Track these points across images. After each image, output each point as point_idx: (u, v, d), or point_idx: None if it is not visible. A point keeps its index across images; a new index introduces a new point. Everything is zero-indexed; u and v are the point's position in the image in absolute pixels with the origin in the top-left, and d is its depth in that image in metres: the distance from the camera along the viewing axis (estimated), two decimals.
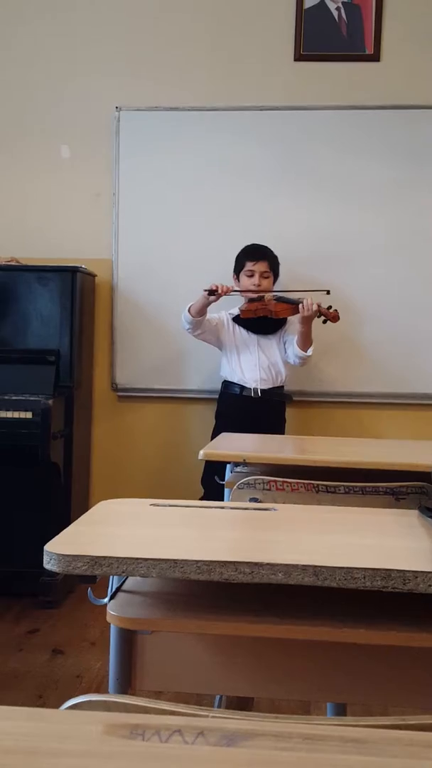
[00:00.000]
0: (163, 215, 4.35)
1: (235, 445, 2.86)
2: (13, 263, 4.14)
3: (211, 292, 3.73)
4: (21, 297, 4.01)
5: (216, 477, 2.81)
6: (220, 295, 3.75)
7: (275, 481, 2.29)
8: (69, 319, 3.98)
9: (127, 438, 4.47)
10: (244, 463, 2.61)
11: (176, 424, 4.39)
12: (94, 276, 4.36)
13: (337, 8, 4.28)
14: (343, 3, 4.28)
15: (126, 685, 1.43)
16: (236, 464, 2.67)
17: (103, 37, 4.39)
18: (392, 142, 4.24)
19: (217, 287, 3.73)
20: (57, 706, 0.94)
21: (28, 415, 3.70)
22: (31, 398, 3.74)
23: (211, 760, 0.78)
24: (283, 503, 2.10)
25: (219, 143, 4.31)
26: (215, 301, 3.77)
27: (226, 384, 4.03)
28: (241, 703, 2.06)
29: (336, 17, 4.29)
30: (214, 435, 3.94)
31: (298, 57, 4.31)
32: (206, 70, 4.35)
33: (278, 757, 0.78)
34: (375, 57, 4.28)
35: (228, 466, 2.75)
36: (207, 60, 4.35)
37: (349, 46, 4.29)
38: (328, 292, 3.88)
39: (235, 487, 2.33)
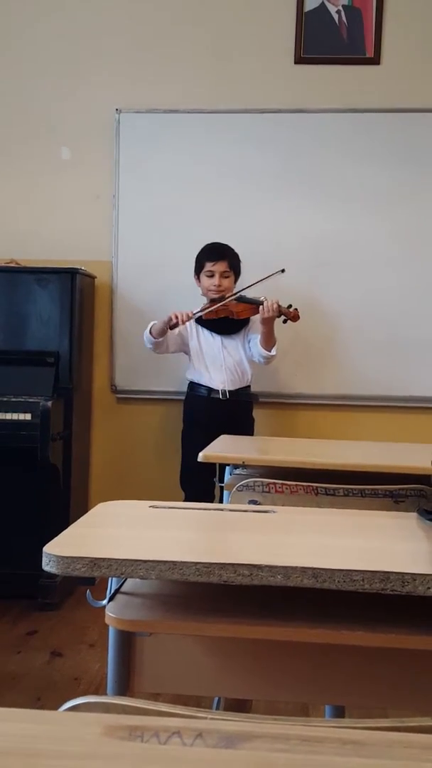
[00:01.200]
0: (163, 217, 4.35)
1: (233, 447, 2.87)
2: (12, 265, 4.15)
3: (172, 326, 3.81)
4: (20, 298, 4.01)
5: (214, 479, 2.82)
6: (178, 325, 3.81)
7: (274, 484, 2.30)
8: (68, 321, 3.98)
9: (127, 440, 4.47)
10: (243, 466, 2.61)
11: (175, 426, 4.38)
12: (93, 278, 4.36)
13: (338, 11, 4.29)
14: (343, 6, 4.28)
15: (124, 687, 1.43)
16: (235, 466, 2.67)
17: (104, 40, 4.39)
18: (392, 145, 4.25)
19: (176, 318, 3.77)
20: (55, 707, 0.94)
21: (28, 416, 3.71)
22: (31, 400, 3.74)
23: (210, 761, 0.78)
24: (282, 505, 2.10)
25: (219, 146, 4.31)
26: (173, 329, 3.84)
27: (192, 386, 4.03)
28: (239, 705, 2.07)
29: (336, 20, 4.29)
30: (184, 437, 3.96)
31: (299, 60, 4.31)
32: (206, 72, 4.36)
33: (276, 759, 0.78)
34: (375, 60, 4.29)
35: (227, 468, 2.75)
36: (207, 62, 4.35)
37: (350, 49, 4.30)
38: (282, 271, 3.87)
39: (234, 489, 2.33)
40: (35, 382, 3.85)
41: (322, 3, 4.28)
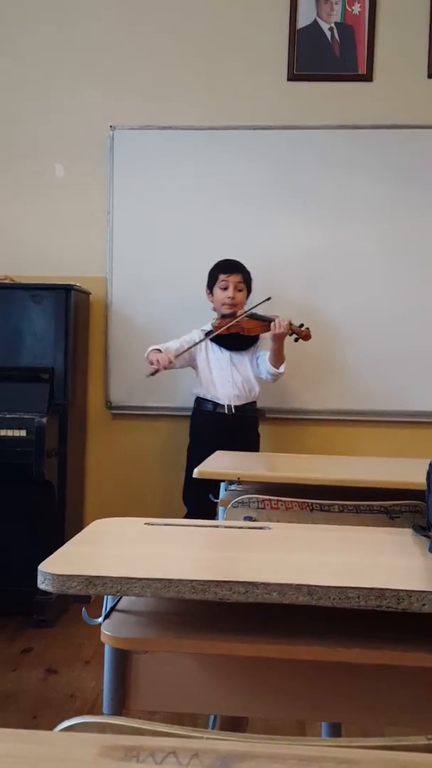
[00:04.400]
0: (157, 233, 4.36)
1: (229, 463, 2.87)
2: (7, 281, 4.15)
3: (153, 374, 3.82)
4: (15, 315, 4.01)
5: (210, 495, 2.81)
6: (158, 371, 3.82)
7: (270, 500, 2.30)
8: (63, 337, 3.99)
9: (122, 456, 4.47)
10: (239, 482, 2.61)
11: (171, 442, 4.39)
12: (88, 294, 4.37)
13: (330, 28, 4.32)
14: (336, 23, 4.31)
15: (120, 705, 1.43)
16: (230, 482, 2.67)
17: (97, 56, 4.42)
18: (384, 161, 4.27)
19: (158, 364, 3.79)
20: (51, 725, 0.94)
21: (22, 433, 3.70)
22: (25, 416, 3.74)
23: None
24: (278, 522, 2.10)
25: (212, 162, 4.33)
26: (151, 375, 3.84)
27: (199, 401, 4.04)
28: (235, 723, 2.06)
29: (329, 37, 4.32)
30: (189, 453, 3.96)
31: (291, 77, 4.34)
32: (200, 89, 4.38)
33: None
34: (367, 77, 4.31)
35: (222, 484, 2.75)
36: (200, 79, 4.38)
37: (342, 66, 4.33)
38: (269, 299, 3.88)
39: (229, 505, 2.33)
40: (30, 398, 3.85)
41: (315, 20, 4.32)
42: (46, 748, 0.84)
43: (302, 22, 4.32)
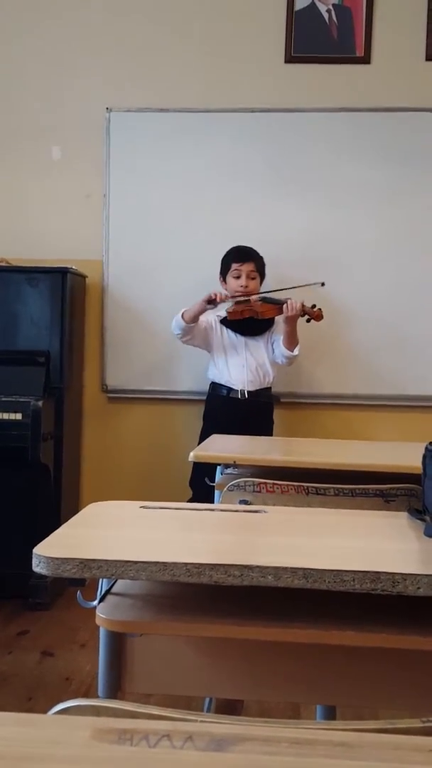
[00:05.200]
0: (154, 216, 4.35)
1: (226, 446, 2.86)
2: (3, 264, 4.14)
3: (210, 301, 3.78)
4: (11, 298, 4.00)
5: (206, 479, 2.81)
6: (218, 303, 3.80)
7: (265, 484, 2.29)
8: (59, 321, 3.98)
9: (118, 440, 4.47)
10: (234, 465, 2.61)
11: (167, 426, 4.39)
12: (84, 277, 4.35)
13: (328, 10, 4.29)
14: (333, 5, 4.28)
15: (115, 688, 1.43)
16: (226, 466, 2.67)
17: (94, 39, 4.38)
18: (383, 144, 4.25)
19: (216, 295, 3.77)
20: (46, 708, 0.94)
21: (18, 416, 3.70)
22: (21, 399, 3.73)
23: (200, 764, 0.77)
24: (273, 505, 2.10)
25: (209, 145, 4.31)
26: (213, 308, 3.83)
27: (214, 386, 4.04)
28: (230, 706, 2.07)
29: (326, 19, 4.29)
30: (202, 436, 3.95)
31: (289, 59, 4.31)
32: (197, 71, 4.35)
33: (266, 762, 0.78)
34: (365, 59, 4.29)
35: (218, 468, 2.75)
36: (197, 61, 4.35)
37: (340, 48, 4.30)
38: (323, 284, 3.90)
39: (225, 489, 2.33)
40: (26, 381, 3.84)
41: (312, 2, 4.28)
42: (40, 730, 0.83)
43: (300, 3, 4.29)
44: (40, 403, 3.71)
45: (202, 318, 3.94)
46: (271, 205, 4.29)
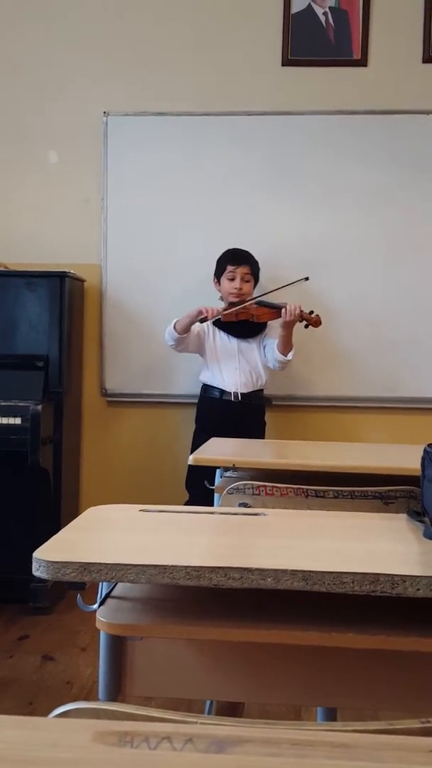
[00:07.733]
0: (152, 220, 4.35)
1: (224, 449, 2.87)
2: (1, 269, 4.14)
3: (202, 320, 3.82)
4: (9, 302, 4.00)
5: (206, 482, 2.81)
6: (208, 319, 3.82)
7: (265, 486, 2.30)
8: (58, 325, 3.98)
9: (117, 443, 4.47)
10: (234, 468, 2.61)
11: (166, 429, 4.39)
12: (82, 281, 4.35)
13: (324, 13, 4.29)
14: (330, 8, 4.29)
15: (116, 692, 1.43)
16: (225, 469, 2.67)
17: (91, 42, 4.39)
18: (379, 147, 4.26)
19: (206, 312, 3.79)
20: (47, 712, 0.94)
21: (17, 420, 3.70)
22: (20, 404, 3.73)
23: (200, 766, 0.78)
24: (273, 508, 2.10)
25: (207, 148, 4.32)
26: (203, 323, 3.86)
27: (206, 388, 4.05)
28: (231, 709, 2.07)
29: (323, 22, 4.30)
30: (194, 439, 3.96)
31: (286, 62, 4.32)
32: (194, 74, 4.36)
33: (267, 764, 0.78)
34: (362, 62, 4.30)
35: (217, 471, 2.75)
36: (195, 65, 4.36)
37: (337, 51, 4.30)
38: (307, 279, 3.91)
39: (224, 492, 2.33)
40: (25, 386, 3.85)
41: (309, 5, 4.29)
42: (40, 733, 0.84)
43: (296, 6, 4.30)
44: (39, 408, 3.71)
45: (194, 325, 3.95)
46: (268, 208, 4.29)
